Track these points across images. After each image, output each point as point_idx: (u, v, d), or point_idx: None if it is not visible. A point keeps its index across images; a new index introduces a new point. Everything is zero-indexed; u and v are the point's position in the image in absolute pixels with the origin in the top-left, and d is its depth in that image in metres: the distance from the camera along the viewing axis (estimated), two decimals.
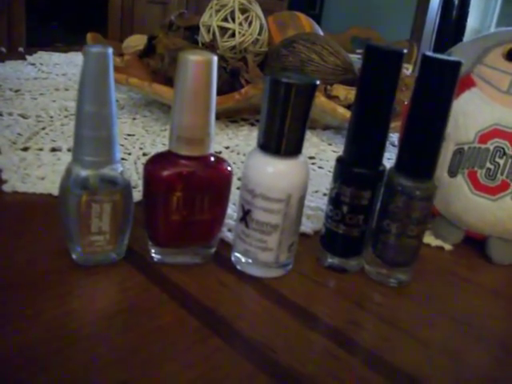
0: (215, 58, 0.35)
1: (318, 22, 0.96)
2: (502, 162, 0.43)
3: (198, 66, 0.34)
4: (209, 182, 0.37)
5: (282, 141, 0.36)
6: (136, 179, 0.52)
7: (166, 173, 0.36)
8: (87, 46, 0.33)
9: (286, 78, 0.35)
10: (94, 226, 0.36)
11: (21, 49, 1.11)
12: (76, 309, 0.34)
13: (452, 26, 3.17)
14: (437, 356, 0.34)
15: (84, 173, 0.35)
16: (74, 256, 0.38)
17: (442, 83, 0.36)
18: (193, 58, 0.34)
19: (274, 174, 0.37)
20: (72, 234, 0.37)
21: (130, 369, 0.30)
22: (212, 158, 0.38)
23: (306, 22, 0.87)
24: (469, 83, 0.46)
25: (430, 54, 0.37)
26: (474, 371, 0.34)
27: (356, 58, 0.81)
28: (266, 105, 0.36)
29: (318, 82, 0.36)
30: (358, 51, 0.96)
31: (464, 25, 3.19)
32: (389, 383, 0.31)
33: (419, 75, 0.37)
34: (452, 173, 0.46)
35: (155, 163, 0.37)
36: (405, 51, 0.37)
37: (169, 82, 0.69)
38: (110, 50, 0.33)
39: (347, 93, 0.71)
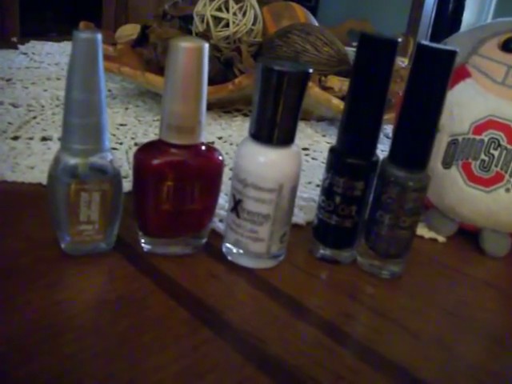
0: (206, 45, 0.34)
1: (314, 15, 0.95)
2: (496, 153, 0.43)
3: (189, 53, 0.33)
4: (200, 171, 0.37)
5: (274, 130, 0.36)
6: (127, 169, 0.52)
7: (155, 161, 0.36)
8: (76, 32, 0.32)
9: (278, 66, 0.34)
10: (82, 214, 0.36)
11: (14, 38, 1.10)
12: (64, 299, 0.34)
13: (448, 20, 3.16)
14: (428, 348, 0.34)
15: (73, 161, 0.35)
16: (62, 245, 0.37)
17: (436, 72, 0.36)
18: (184, 45, 0.33)
19: (265, 163, 0.36)
20: (60, 223, 0.36)
21: (118, 360, 0.29)
22: (203, 147, 0.37)
23: (300, 13, 0.86)
24: (464, 74, 0.45)
25: (425, 42, 0.36)
26: (465, 363, 0.33)
27: (352, 52, 0.80)
28: (258, 93, 0.35)
29: (311, 70, 0.35)
30: (354, 44, 0.96)
31: (460, 19, 3.18)
32: (380, 375, 0.31)
33: (414, 64, 0.37)
34: (446, 164, 0.45)
35: (145, 152, 0.37)
36: (399, 40, 0.36)
37: (162, 71, 0.68)
38: (99, 36, 0.32)
39: (342, 84, 0.70)
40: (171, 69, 0.34)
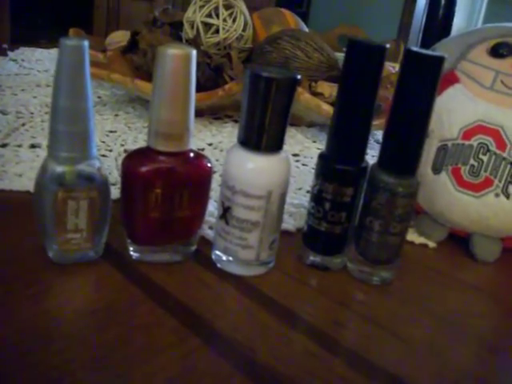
0: (194, 52, 0.34)
1: (305, 21, 0.95)
2: (485, 158, 0.43)
3: (177, 60, 0.33)
4: (188, 178, 0.37)
5: (262, 136, 0.36)
6: (116, 176, 0.52)
7: (144, 169, 0.36)
8: (62, 39, 0.32)
9: (266, 73, 0.34)
10: (70, 223, 0.35)
11: (5, 45, 1.09)
12: (51, 308, 0.33)
13: (438, 26, 3.19)
14: (419, 354, 0.34)
15: (60, 169, 0.35)
16: (50, 254, 0.37)
17: (425, 78, 0.36)
18: (171, 52, 0.33)
19: (254, 170, 0.36)
20: (48, 232, 0.36)
21: (106, 369, 0.29)
22: (191, 154, 0.37)
23: (290, 19, 0.86)
24: (452, 79, 0.45)
25: (413, 48, 0.36)
26: (456, 369, 0.33)
27: (342, 57, 0.81)
28: (247, 100, 0.35)
29: (299, 77, 0.35)
30: (345, 49, 0.96)
31: (450, 24, 3.20)
32: (371, 382, 0.31)
33: (402, 70, 0.37)
34: (436, 169, 0.45)
35: (133, 159, 0.37)
36: (387, 46, 0.36)
37: (152, 78, 0.68)
38: (86, 43, 0.32)
39: (332, 90, 0.70)
40: (159, 75, 0.34)
